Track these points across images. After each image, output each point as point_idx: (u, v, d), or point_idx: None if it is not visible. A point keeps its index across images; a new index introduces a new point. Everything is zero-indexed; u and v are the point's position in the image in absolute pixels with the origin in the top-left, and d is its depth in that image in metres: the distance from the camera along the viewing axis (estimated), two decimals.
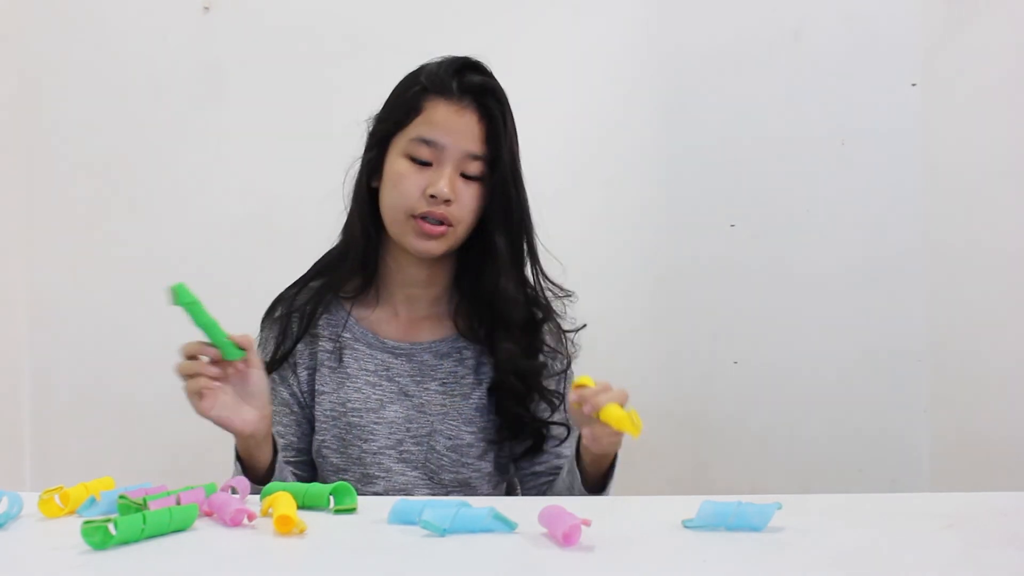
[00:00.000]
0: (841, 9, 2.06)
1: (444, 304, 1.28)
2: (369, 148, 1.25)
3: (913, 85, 2.04)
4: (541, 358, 1.26)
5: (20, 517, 0.89)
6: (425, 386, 1.24)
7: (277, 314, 1.28)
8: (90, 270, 2.13)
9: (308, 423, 1.27)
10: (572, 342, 1.31)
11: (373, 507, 0.94)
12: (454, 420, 1.23)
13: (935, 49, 1.99)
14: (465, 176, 1.19)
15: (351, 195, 1.27)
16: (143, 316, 2.12)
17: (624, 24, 2.10)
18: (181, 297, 0.99)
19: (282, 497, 0.87)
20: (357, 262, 1.24)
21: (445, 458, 1.22)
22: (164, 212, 2.13)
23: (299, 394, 1.26)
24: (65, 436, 2.14)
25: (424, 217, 1.17)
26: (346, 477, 1.21)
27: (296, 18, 2.12)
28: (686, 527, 0.83)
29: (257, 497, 0.96)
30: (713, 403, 2.08)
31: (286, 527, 0.82)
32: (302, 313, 1.26)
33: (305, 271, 1.32)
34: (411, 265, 1.25)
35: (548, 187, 2.04)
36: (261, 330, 1.31)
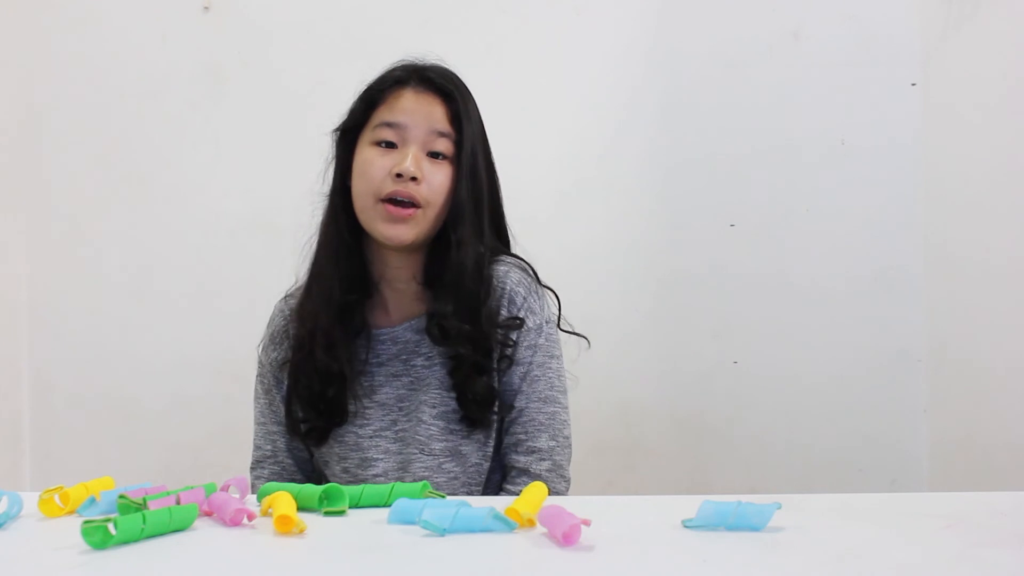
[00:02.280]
0: (841, 9, 2.06)
1: (422, 289, 1.27)
2: (337, 148, 1.26)
3: (913, 85, 2.04)
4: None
5: (20, 517, 0.89)
6: (411, 363, 1.25)
7: (279, 323, 1.30)
8: (90, 270, 2.14)
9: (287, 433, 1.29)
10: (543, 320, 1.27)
11: (373, 507, 0.94)
12: (437, 389, 1.23)
13: (935, 49, 1.99)
14: (433, 156, 1.20)
15: (324, 201, 1.27)
16: (143, 316, 2.13)
17: (624, 25, 2.10)
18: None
19: (282, 497, 0.87)
20: (343, 268, 1.23)
21: (433, 427, 1.22)
22: (164, 212, 2.13)
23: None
24: (65, 436, 2.14)
25: (391, 200, 1.17)
26: (347, 464, 1.22)
27: (296, 18, 2.12)
28: (686, 527, 0.83)
29: (256, 497, 0.97)
30: (713, 403, 2.09)
31: (286, 527, 0.82)
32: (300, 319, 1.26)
33: (301, 278, 1.32)
34: (391, 260, 1.25)
35: (549, 188, 2.07)
36: (269, 340, 1.31)
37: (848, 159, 2.06)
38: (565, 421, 1.25)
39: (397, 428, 1.23)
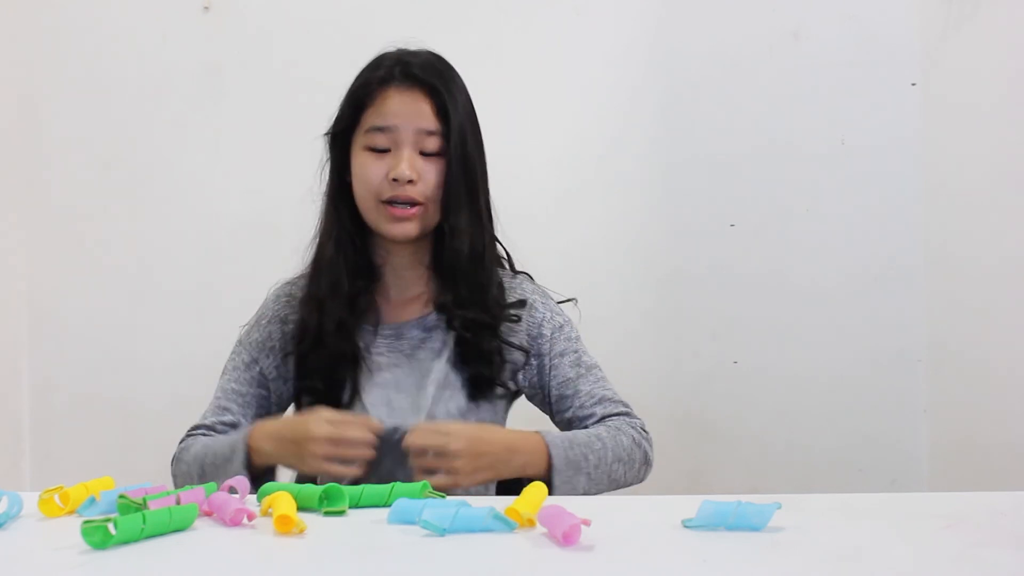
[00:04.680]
0: (841, 9, 2.06)
1: (429, 283, 1.30)
2: (332, 150, 1.30)
3: (913, 85, 2.04)
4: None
5: (20, 517, 0.89)
6: (415, 357, 1.26)
7: (272, 307, 1.32)
8: (90, 270, 2.14)
9: (266, 403, 1.30)
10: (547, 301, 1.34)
11: (373, 507, 0.94)
12: (443, 388, 1.24)
13: (935, 49, 1.99)
14: (425, 154, 1.23)
15: (324, 200, 1.31)
16: (143, 316, 2.13)
17: (624, 25, 2.10)
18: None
19: (282, 497, 0.87)
20: (350, 259, 1.27)
21: (434, 398, 1.23)
22: (164, 212, 2.13)
23: (267, 373, 1.29)
24: (65, 436, 2.14)
25: (392, 202, 1.22)
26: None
27: (296, 18, 2.12)
28: (686, 527, 0.83)
29: (256, 497, 0.97)
30: (713, 403, 2.09)
31: (286, 527, 0.82)
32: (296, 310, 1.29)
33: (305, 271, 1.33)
34: (395, 251, 1.29)
35: (549, 188, 2.07)
36: (261, 315, 1.34)
37: (848, 159, 2.06)
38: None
39: (394, 404, 1.23)
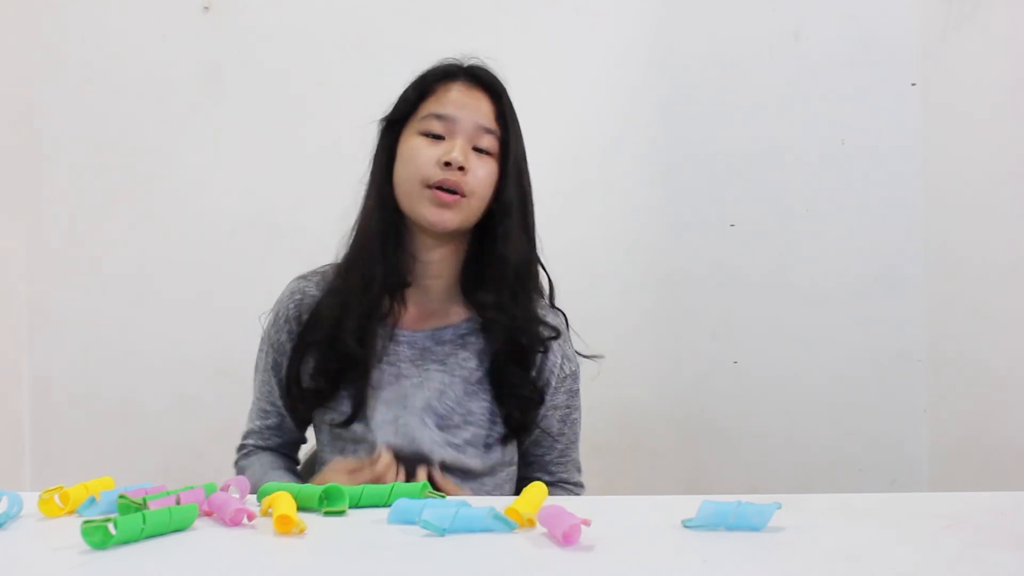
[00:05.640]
0: (841, 9, 2.06)
1: (454, 295, 1.28)
2: (382, 138, 1.27)
3: (913, 85, 2.04)
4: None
5: (20, 517, 0.89)
6: (425, 367, 1.23)
7: (288, 307, 1.29)
8: (89, 270, 2.14)
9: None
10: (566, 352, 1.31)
11: (373, 507, 0.94)
12: (452, 398, 1.22)
13: (935, 49, 1.99)
14: (478, 150, 1.22)
15: (369, 189, 1.27)
16: (143, 316, 2.13)
17: (624, 25, 2.10)
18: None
19: (282, 497, 0.87)
20: (389, 253, 1.23)
21: (437, 436, 1.21)
22: (164, 212, 2.13)
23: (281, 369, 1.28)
24: (65, 436, 2.14)
25: (439, 187, 1.19)
26: (357, 449, 1.22)
27: (295, 18, 2.12)
28: (686, 527, 0.83)
29: (256, 497, 0.97)
30: (713, 403, 2.09)
31: (286, 527, 0.82)
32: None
33: (331, 263, 1.31)
34: (426, 250, 1.25)
35: (549, 188, 2.05)
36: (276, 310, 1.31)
37: (848, 159, 2.06)
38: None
39: (400, 422, 1.21)
